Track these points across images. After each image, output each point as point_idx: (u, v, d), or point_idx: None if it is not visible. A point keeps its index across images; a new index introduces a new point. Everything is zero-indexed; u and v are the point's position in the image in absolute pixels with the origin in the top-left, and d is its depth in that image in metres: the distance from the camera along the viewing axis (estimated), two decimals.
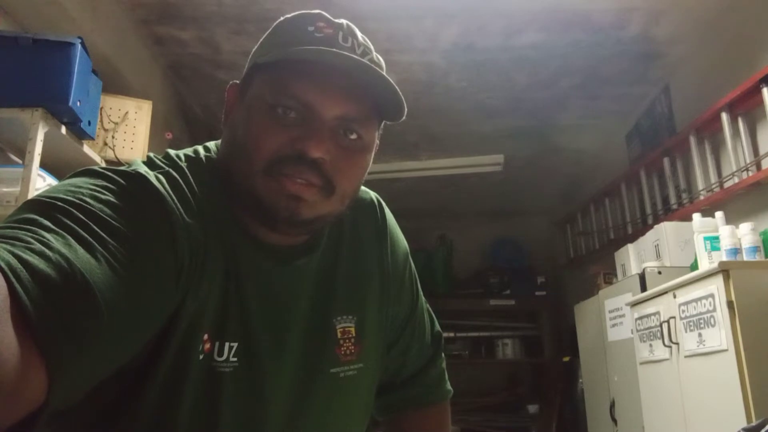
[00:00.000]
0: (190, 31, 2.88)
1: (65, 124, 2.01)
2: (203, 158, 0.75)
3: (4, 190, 1.86)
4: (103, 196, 0.59)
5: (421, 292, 0.98)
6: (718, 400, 1.93)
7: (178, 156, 0.74)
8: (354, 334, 0.81)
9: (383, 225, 0.89)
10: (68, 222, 0.53)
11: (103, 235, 0.54)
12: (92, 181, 0.61)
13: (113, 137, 2.37)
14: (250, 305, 0.72)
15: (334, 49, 0.66)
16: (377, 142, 0.76)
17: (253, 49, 0.75)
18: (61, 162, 2.13)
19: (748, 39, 2.63)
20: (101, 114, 2.32)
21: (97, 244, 0.53)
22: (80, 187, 0.59)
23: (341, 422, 0.81)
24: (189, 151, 0.77)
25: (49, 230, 0.51)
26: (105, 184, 0.61)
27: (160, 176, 0.67)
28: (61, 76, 1.91)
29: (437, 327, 1.01)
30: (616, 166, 4.06)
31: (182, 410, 0.66)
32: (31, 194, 1.80)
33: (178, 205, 0.65)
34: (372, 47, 0.73)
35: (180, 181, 0.68)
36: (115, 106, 2.41)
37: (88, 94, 2.06)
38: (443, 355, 1.03)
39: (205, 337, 0.68)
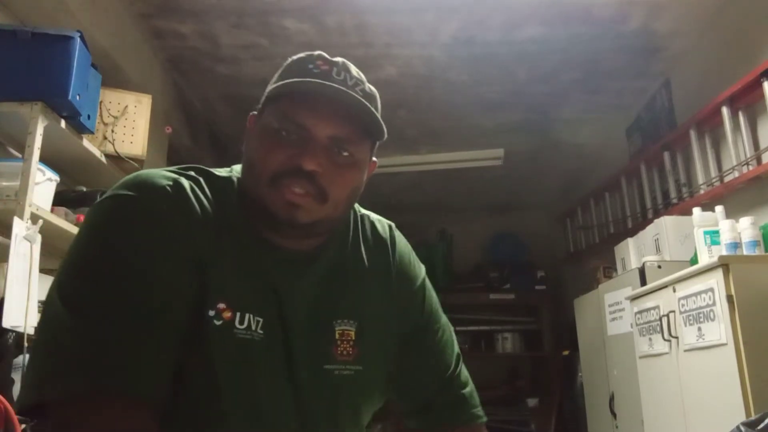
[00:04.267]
0: (190, 24, 2.87)
1: (64, 117, 2.00)
2: (228, 176, 0.89)
3: (4, 184, 1.86)
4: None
5: (441, 314, 1.03)
6: (717, 394, 1.94)
7: (204, 171, 0.87)
8: (353, 338, 0.88)
9: (393, 246, 0.99)
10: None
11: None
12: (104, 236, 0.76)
13: (113, 131, 2.36)
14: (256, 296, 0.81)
15: (317, 80, 0.79)
16: (375, 159, 0.91)
17: (269, 83, 0.88)
18: (60, 156, 2.13)
19: (749, 33, 2.63)
20: (101, 108, 2.32)
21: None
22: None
23: (331, 419, 0.85)
24: (224, 170, 0.91)
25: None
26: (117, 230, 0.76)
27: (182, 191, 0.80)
28: (61, 69, 1.90)
29: (457, 350, 1.03)
30: (616, 161, 4.05)
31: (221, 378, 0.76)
32: (31, 188, 1.80)
33: (188, 211, 0.79)
34: (365, 79, 0.86)
35: (201, 195, 0.82)
36: (114, 100, 2.40)
37: (88, 87, 2.06)
38: (466, 378, 1.03)
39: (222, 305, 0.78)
